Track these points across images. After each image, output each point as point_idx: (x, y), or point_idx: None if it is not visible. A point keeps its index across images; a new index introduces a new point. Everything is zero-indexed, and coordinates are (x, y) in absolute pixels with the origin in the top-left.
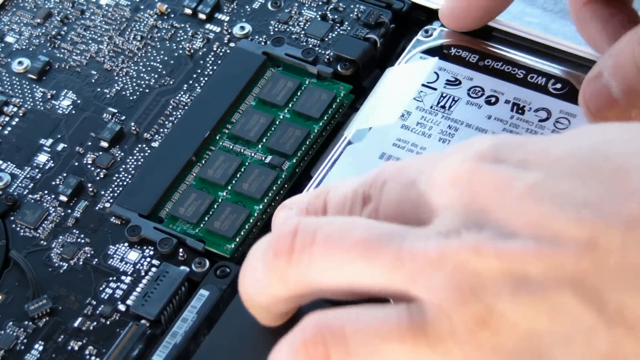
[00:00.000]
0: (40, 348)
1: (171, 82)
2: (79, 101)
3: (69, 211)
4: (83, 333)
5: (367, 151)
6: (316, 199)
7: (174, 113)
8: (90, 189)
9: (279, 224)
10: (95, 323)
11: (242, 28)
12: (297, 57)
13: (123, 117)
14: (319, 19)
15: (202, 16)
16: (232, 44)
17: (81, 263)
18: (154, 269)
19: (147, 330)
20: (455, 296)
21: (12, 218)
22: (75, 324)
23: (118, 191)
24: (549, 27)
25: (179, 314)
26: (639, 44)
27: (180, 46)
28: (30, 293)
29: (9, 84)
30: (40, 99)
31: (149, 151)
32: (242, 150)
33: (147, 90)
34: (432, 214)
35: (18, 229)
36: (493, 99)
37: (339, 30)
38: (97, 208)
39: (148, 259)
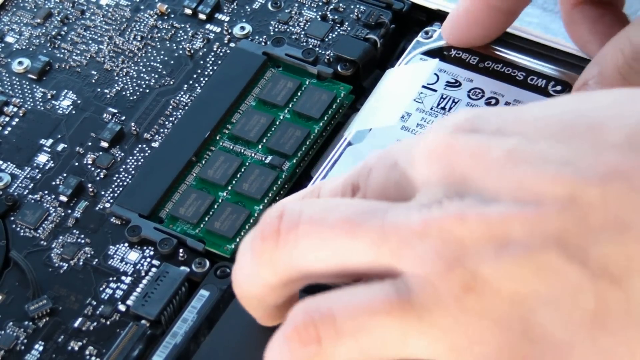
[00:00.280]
0: (41, 348)
1: (171, 83)
2: (79, 101)
3: (69, 211)
4: (83, 333)
5: (368, 152)
6: (310, 194)
7: (174, 113)
8: (91, 189)
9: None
10: (95, 323)
11: (242, 28)
12: (297, 58)
13: (123, 118)
14: (319, 19)
15: (202, 16)
16: (232, 44)
17: (81, 263)
18: (154, 269)
19: (148, 331)
20: (439, 265)
21: (12, 218)
22: (76, 324)
23: (118, 191)
24: (549, 27)
25: (179, 314)
26: (621, 51)
27: (181, 46)
28: (30, 293)
29: (9, 84)
30: (40, 99)
31: (149, 151)
32: (242, 151)
33: (147, 91)
34: (414, 189)
35: (18, 229)
36: (493, 101)
37: (339, 30)
38: (97, 208)
39: (148, 259)
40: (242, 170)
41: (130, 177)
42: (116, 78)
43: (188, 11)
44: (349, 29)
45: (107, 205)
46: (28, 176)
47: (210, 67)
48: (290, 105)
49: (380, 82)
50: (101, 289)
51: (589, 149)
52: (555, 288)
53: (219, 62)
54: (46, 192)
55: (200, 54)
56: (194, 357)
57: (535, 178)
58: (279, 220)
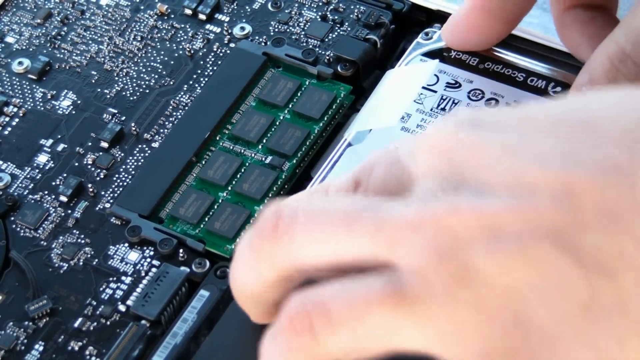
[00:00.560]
0: (41, 348)
1: (171, 83)
2: (79, 101)
3: (69, 211)
4: (83, 333)
5: (367, 153)
6: (319, 191)
7: (174, 113)
8: (91, 190)
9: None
10: (95, 323)
11: (242, 28)
12: (297, 58)
13: (123, 118)
14: (319, 19)
15: (202, 17)
16: (232, 45)
17: (81, 263)
18: (154, 270)
19: (148, 331)
20: (432, 257)
21: (12, 218)
22: (76, 325)
23: (118, 192)
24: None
25: (179, 315)
26: (608, 59)
27: (181, 47)
28: (30, 293)
29: (9, 84)
30: (40, 99)
31: (149, 152)
32: (242, 151)
33: (147, 91)
34: (412, 183)
35: (18, 229)
36: (493, 102)
37: (339, 30)
38: (97, 208)
39: (148, 260)
40: (242, 170)
41: (130, 177)
42: (116, 78)
43: (188, 11)
44: (349, 29)
45: (107, 205)
46: (28, 176)
47: (210, 68)
48: (290, 106)
49: (380, 83)
50: (101, 289)
51: (585, 144)
52: (548, 280)
53: (219, 62)
54: (46, 192)
55: (200, 54)
56: (194, 358)
57: (530, 170)
58: (277, 216)
